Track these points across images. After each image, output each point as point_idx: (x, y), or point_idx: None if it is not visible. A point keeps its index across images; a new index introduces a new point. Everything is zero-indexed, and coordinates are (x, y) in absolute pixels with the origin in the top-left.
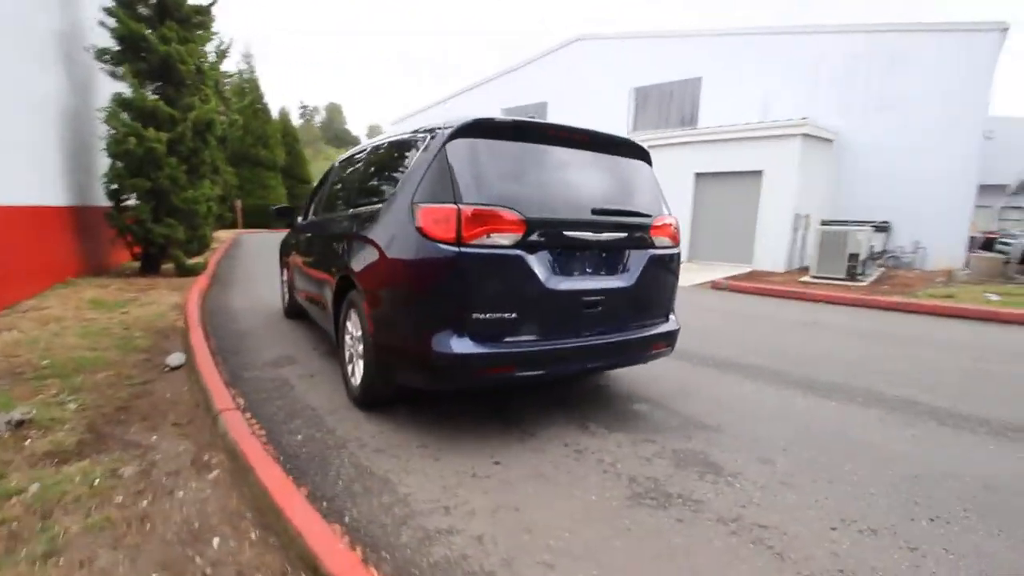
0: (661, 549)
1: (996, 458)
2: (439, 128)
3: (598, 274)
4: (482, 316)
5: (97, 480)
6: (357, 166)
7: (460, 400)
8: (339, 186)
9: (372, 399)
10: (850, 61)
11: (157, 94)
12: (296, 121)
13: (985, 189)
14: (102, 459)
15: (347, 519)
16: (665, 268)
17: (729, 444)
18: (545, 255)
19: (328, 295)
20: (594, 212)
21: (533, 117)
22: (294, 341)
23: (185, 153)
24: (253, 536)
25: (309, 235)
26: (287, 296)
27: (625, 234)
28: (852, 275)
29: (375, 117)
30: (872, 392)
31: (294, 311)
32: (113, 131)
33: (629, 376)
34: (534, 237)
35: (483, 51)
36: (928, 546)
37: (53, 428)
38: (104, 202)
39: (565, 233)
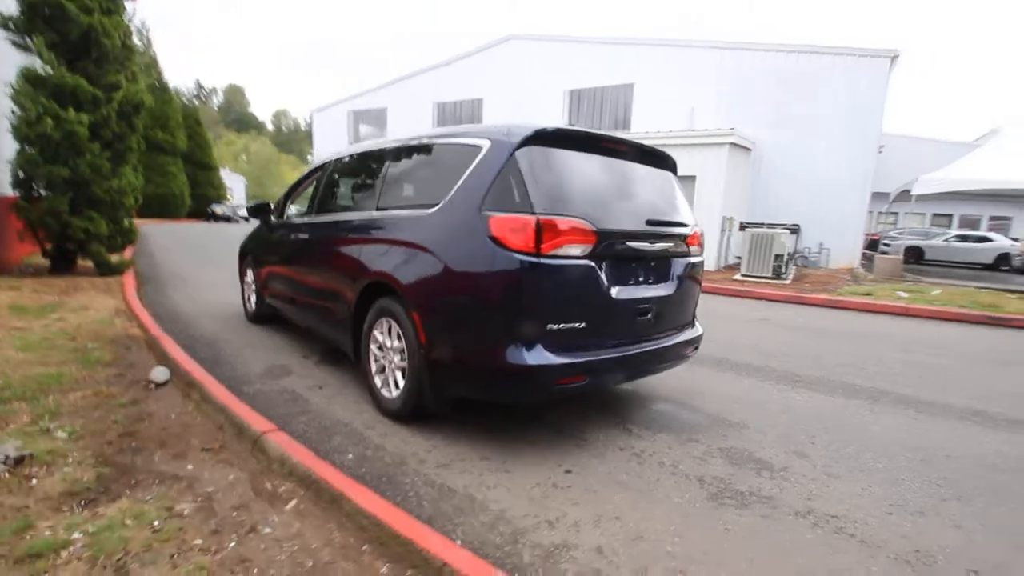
0: (766, 547)
1: (978, 440)
2: (495, 134)
3: (648, 283)
4: (556, 327)
5: (156, 522)
6: (378, 166)
7: (492, 408)
8: (350, 186)
9: (417, 412)
10: (766, 77)
11: (77, 71)
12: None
13: (873, 196)
14: (143, 496)
15: (458, 543)
16: (695, 275)
17: (761, 440)
18: (608, 265)
19: (342, 302)
20: (648, 223)
21: (573, 125)
22: (276, 349)
23: (109, 138)
24: (384, 570)
25: (304, 236)
26: (254, 299)
27: (671, 244)
28: (777, 274)
29: (282, 102)
30: (849, 385)
31: (263, 315)
32: (23, 111)
33: None
34: (602, 248)
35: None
36: (968, 522)
37: (56, 463)
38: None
39: (628, 244)
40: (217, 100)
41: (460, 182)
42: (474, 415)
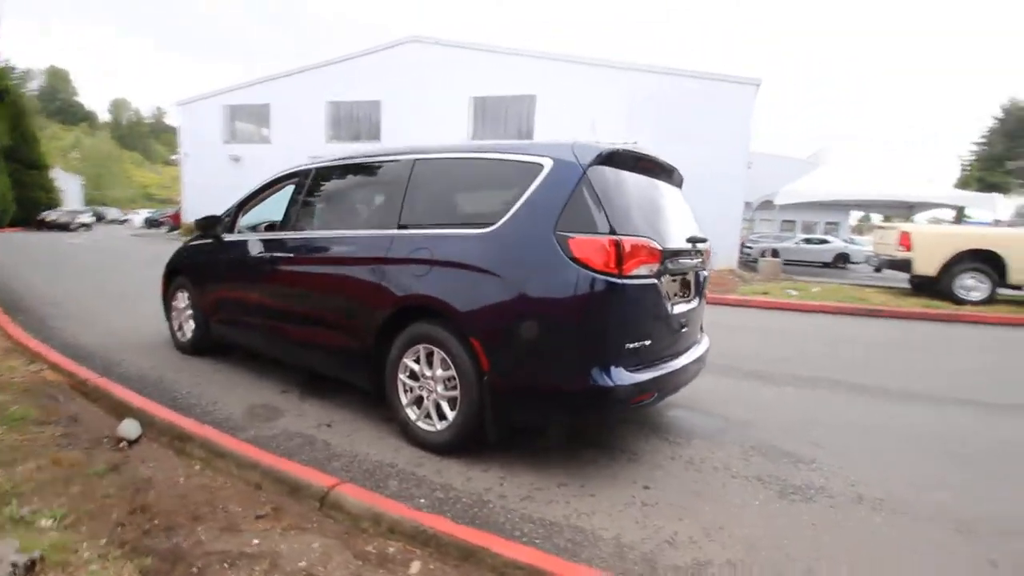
0: (856, 537)
1: (963, 423)
2: (556, 152)
3: (685, 298)
4: (632, 345)
5: None
6: (394, 180)
7: (521, 431)
8: (349, 199)
9: (469, 443)
10: (657, 96)
11: None
12: None
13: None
14: None
15: None
16: (706, 288)
17: (774, 435)
18: (663, 282)
19: (354, 330)
20: (688, 240)
21: (628, 144)
22: (241, 385)
23: None
24: None
25: (282, 255)
26: (191, 327)
27: (700, 259)
28: None
29: (121, 91)
30: (801, 377)
31: (205, 345)
32: None
33: None
34: (662, 266)
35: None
36: (1001, 493)
37: (74, 562)
38: None
39: (678, 260)
40: (35, 85)
41: (522, 201)
42: (504, 440)
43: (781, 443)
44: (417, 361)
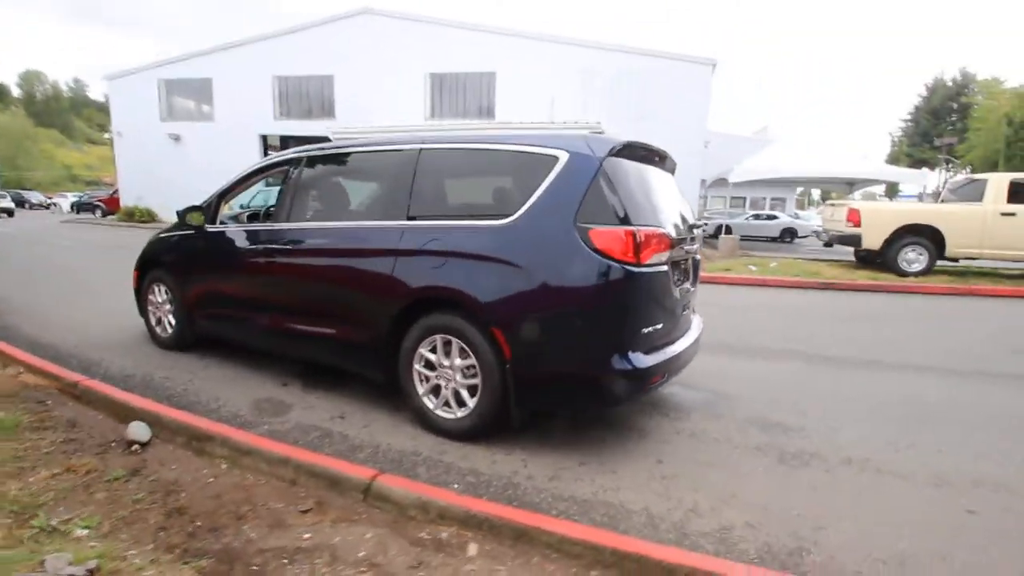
0: (850, 495)
1: (926, 388)
2: (570, 145)
3: (684, 281)
4: (647, 330)
5: None
6: (399, 170)
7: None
8: (349, 190)
9: (492, 429)
10: (614, 74)
11: None
12: None
13: None
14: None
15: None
16: (699, 271)
17: (766, 407)
18: (670, 268)
19: (364, 321)
20: (689, 227)
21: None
22: (236, 379)
23: None
24: None
25: (278, 246)
26: (170, 321)
27: (697, 244)
28: None
29: (32, 62)
30: (774, 351)
31: (188, 340)
32: None
33: None
34: (671, 253)
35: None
36: (967, 451)
37: (128, 570)
38: None
39: (683, 247)
40: None
41: (539, 193)
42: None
43: (769, 414)
44: (433, 351)
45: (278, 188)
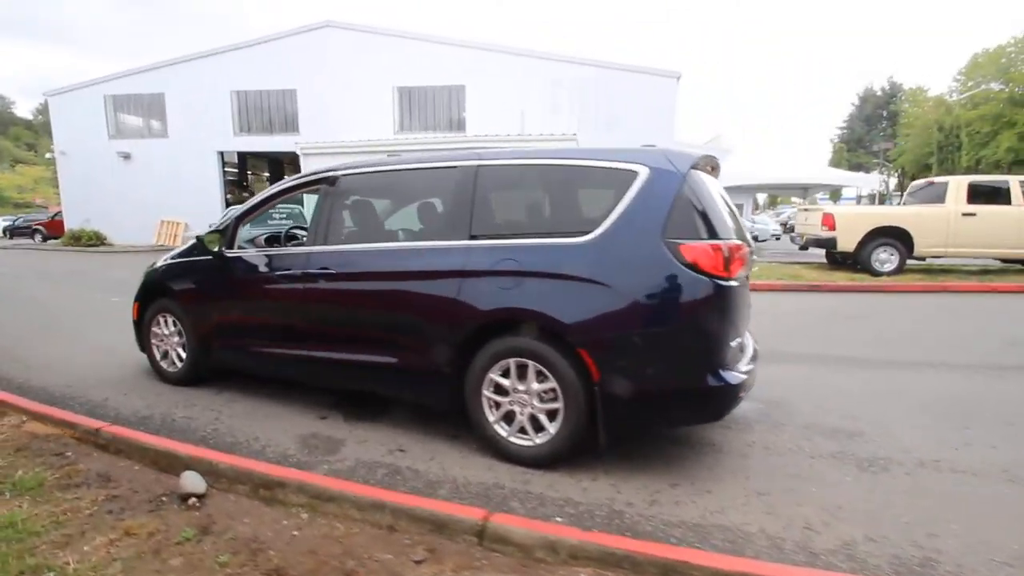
0: (941, 496)
1: (952, 384)
2: (648, 159)
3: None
4: (733, 343)
5: None
6: (458, 188)
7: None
8: (396, 210)
9: (569, 453)
10: (583, 86)
11: None
12: None
13: None
14: None
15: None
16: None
17: (815, 413)
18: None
19: (423, 348)
20: (751, 239)
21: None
22: (270, 414)
23: None
24: None
25: (318, 271)
26: (178, 355)
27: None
28: None
29: None
30: (807, 355)
31: (200, 374)
32: None
33: None
34: (747, 265)
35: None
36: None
37: None
38: None
39: (752, 258)
40: None
41: (621, 209)
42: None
43: (824, 420)
44: (505, 375)
45: (285, 211)
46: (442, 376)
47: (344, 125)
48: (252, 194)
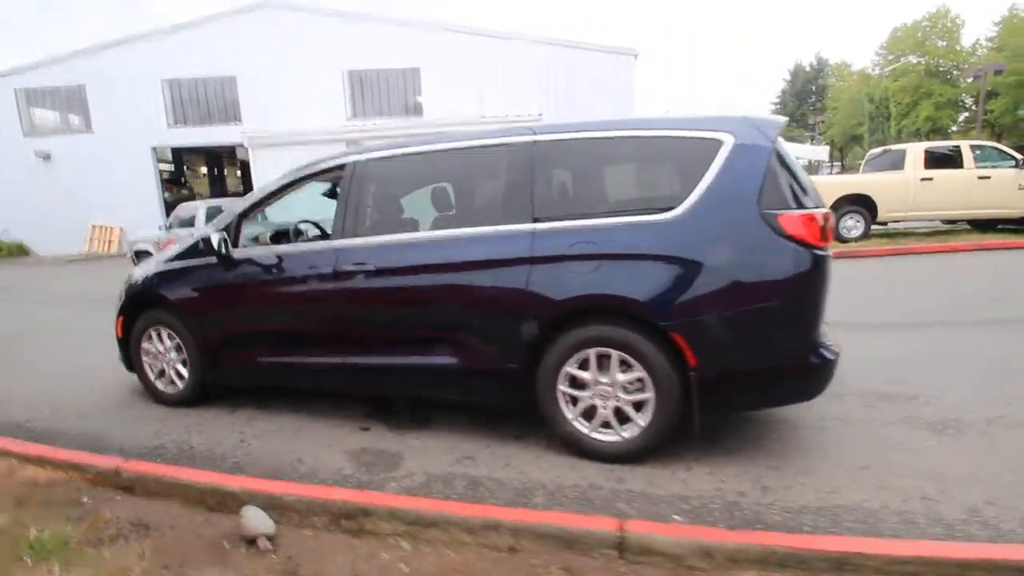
0: (1011, 454)
1: (976, 340)
2: (732, 126)
3: None
4: (824, 317)
5: None
6: (515, 169)
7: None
8: (443, 195)
9: (658, 445)
10: (543, 65)
11: None
12: None
13: None
14: None
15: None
16: None
17: (864, 379)
18: None
19: (492, 342)
20: None
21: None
22: (302, 430)
23: None
24: None
25: (362, 267)
26: (178, 372)
27: None
28: None
29: None
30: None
31: (204, 392)
32: None
33: None
34: None
35: None
36: None
37: None
38: None
39: None
40: None
41: (709, 181)
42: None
43: (872, 386)
44: (582, 367)
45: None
46: (510, 374)
47: (292, 113)
48: (191, 192)
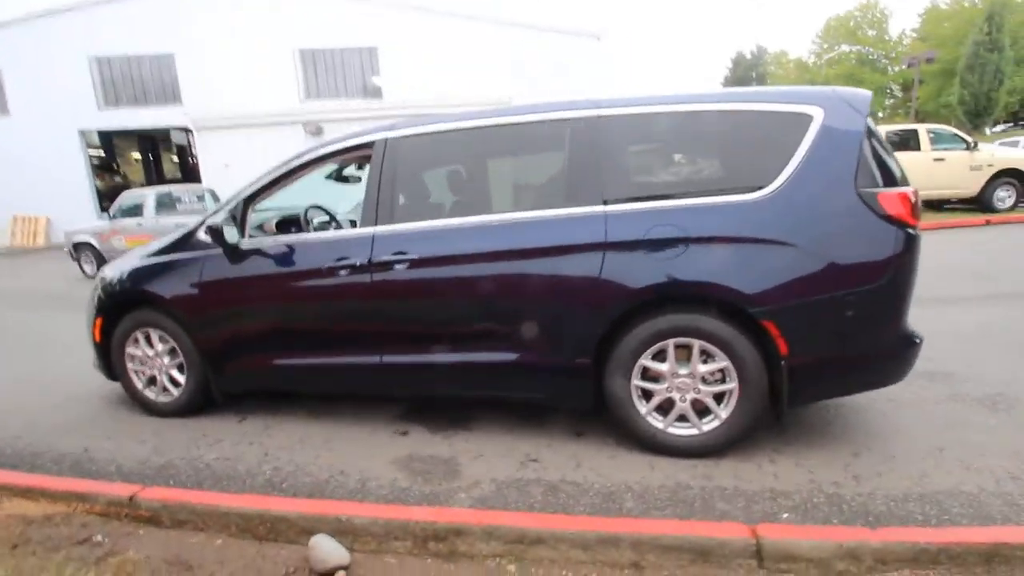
0: None
1: (1000, 317)
2: (822, 98)
3: None
4: None
5: None
6: (565, 146)
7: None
8: (496, 175)
9: (739, 438)
10: (506, 47)
11: None
12: None
13: None
14: None
15: None
16: None
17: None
18: None
19: (564, 335)
20: None
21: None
22: (329, 440)
23: None
24: None
25: (402, 256)
26: (171, 379)
27: None
28: None
29: None
30: None
31: (204, 400)
32: None
33: None
34: None
35: None
36: None
37: None
38: None
39: None
40: None
41: (801, 157)
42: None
43: (920, 365)
44: (659, 359)
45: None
46: (580, 369)
47: (238, 94)
48: (125, 179)
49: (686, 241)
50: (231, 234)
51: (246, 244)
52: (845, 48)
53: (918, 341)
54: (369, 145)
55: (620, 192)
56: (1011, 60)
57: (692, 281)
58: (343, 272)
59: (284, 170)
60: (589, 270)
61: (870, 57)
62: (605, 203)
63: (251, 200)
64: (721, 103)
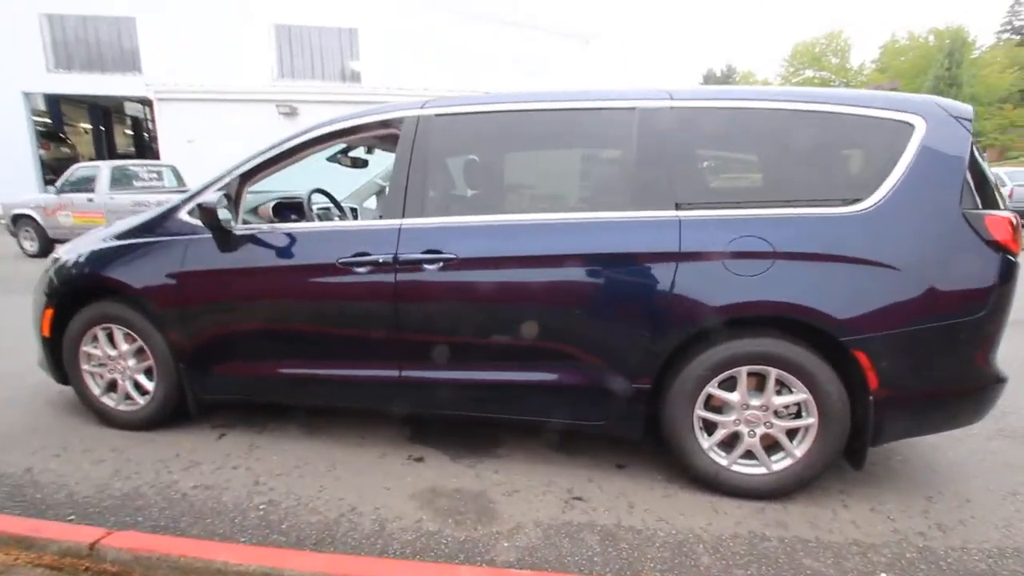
0: None
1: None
2: (922, 107)
3: None
4: None
5: None
6: (636, 140)
7: None
8: (553, 168)
9: (811, 480)
10: (494, 42)
11: None
12: None
13: None
14: None
15: None
16: None
17: None
18: None
19: (624, 356)
20: None
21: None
22: (333, 466)
23: None
24: None
25: (437, 254)
26: (140, 383)
27: None
28: None
29: None
30: None
31: (175, 410)
32: None
33: None
34: None
35: None
36: None
37: None
38: None
39: None
40: None
41: (903, 170)
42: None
43: None
44: (725, 387)
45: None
46: (639, 394)
47: (206, 66)
48: (73, 150)
49: (775, 256)
50: (226, 216)
51: (241, 230)
52: (810, 73)
53: (1004, 378)
54: (396, 123)
55: (696, 196)
56: (968, 97)
57: (779, 302)
58: (361, 270)
59: (289, 145)
60: (659, 283)
61: (833, 83)
62: (678, 207)
63: (247, 177)
64: (814, 103)
